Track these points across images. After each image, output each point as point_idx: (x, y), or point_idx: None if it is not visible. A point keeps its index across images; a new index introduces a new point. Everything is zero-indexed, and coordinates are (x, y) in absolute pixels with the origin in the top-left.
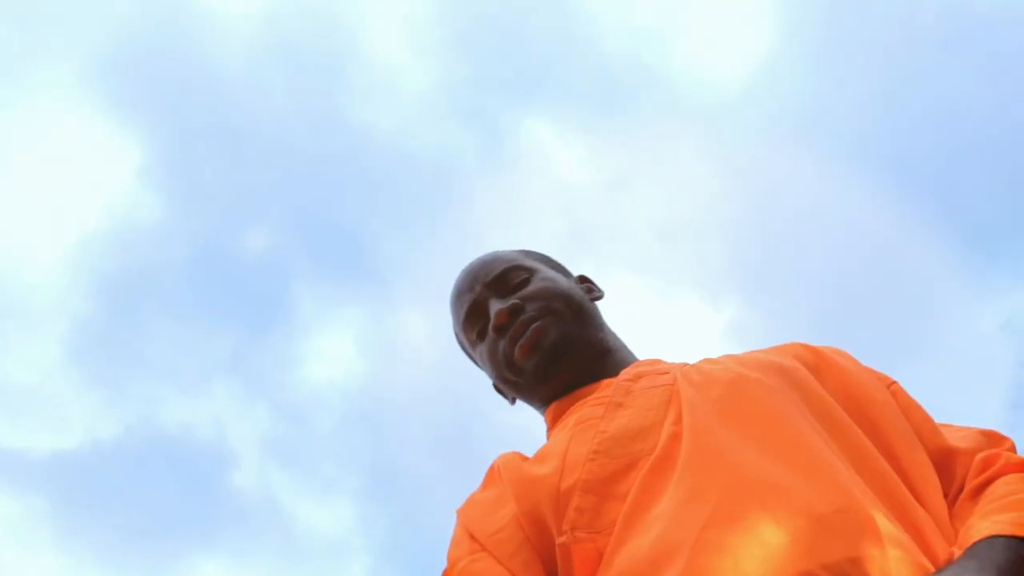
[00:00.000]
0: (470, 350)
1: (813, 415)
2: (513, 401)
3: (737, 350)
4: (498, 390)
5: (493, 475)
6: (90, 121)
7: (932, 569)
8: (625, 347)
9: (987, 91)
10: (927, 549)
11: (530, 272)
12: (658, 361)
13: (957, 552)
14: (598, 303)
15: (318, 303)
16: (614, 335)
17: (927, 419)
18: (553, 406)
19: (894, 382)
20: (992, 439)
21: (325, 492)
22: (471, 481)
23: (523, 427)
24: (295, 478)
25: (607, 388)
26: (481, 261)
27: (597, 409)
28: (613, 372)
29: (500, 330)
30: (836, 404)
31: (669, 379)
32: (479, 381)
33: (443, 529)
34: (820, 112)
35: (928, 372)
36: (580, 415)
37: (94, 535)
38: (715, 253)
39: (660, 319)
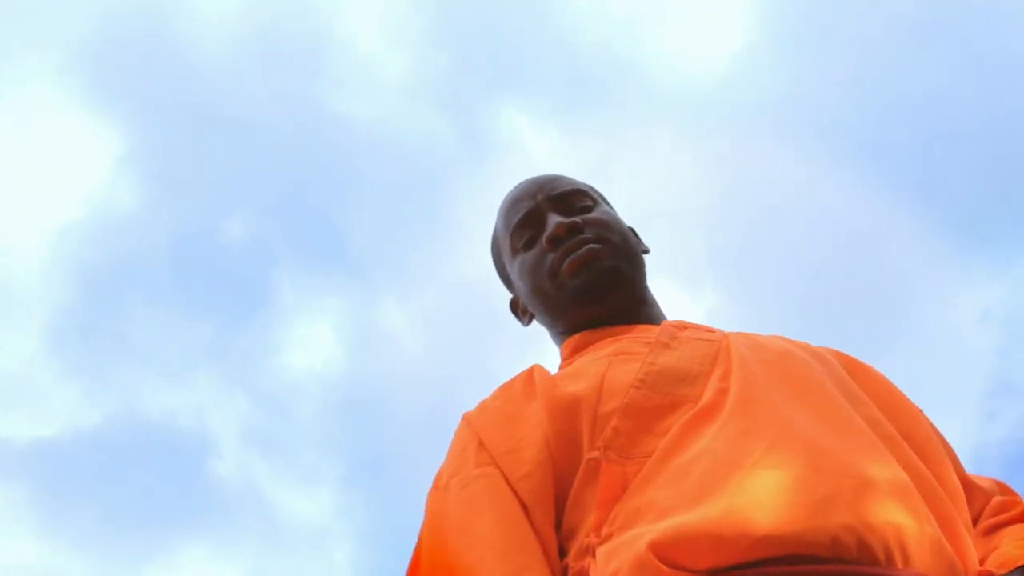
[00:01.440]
0: (508, 258)
1: (853, 406)
2: (529, 322)
3: None
4: (514, 310)
5: (522, 386)
6: (69, 111)
7: (961, 568)
8: (660, 309)
9: (965, 81)
10: (957, 549)
11: (594, 201)
12: (691, 324)
13: (997, 571)
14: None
15: (298, 292)
16: (651, 293)
17: (951, 449)
18: (579, 335)
19: (921, 411)
20: (1004, 488)
21: (306, 480)
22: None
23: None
24: (276, 466)
25: (647, 331)
26: (549, 176)
27: (638, 346)
28: (648, 323)
29: (555, 241)
30: (873, 404)
31: (718, 335)
32: (459, 368)
33: (423, 515)
34: (797, 102)
35: (906, 361)
36: (619, 347)
37: (75, 523)
38: (693, 243)
39: None
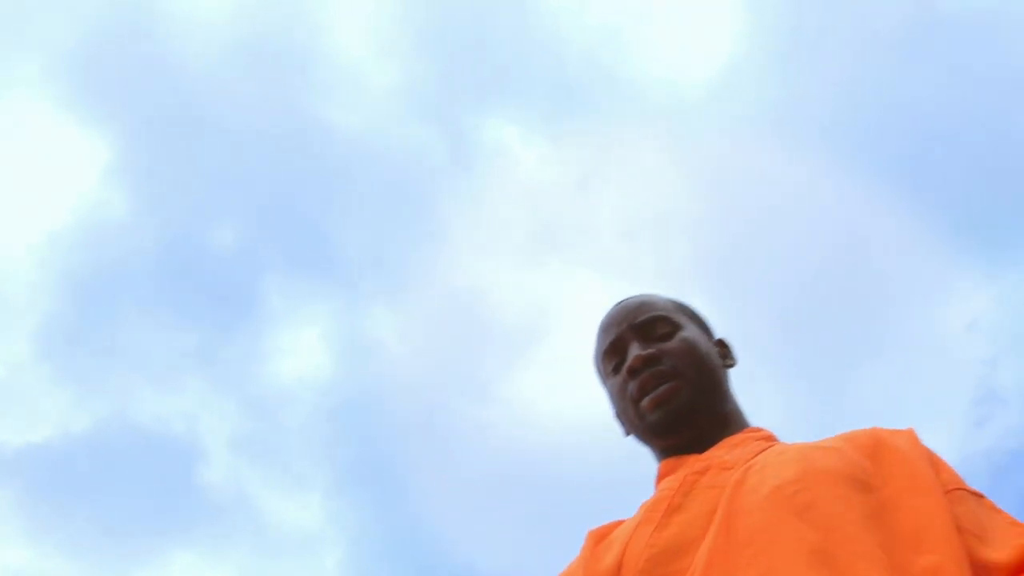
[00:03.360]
0: (603, 378)
1: (856, 535)
2: (627, 434)
3: None
4: (618, 419)
5: (577, 563)
6: (57, 119)
7: None
8: (741, 415)
9: (954, 92)
10: None
11: (675, 327)
12: (751, 437)
13: None
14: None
15: (286, 299)
16: (735, 403)
17: (981, 526)
18: (663, 463)
19: (956, 489)
20: None
21: (295, 486)
22: (439, 473)
23: (490, 423)
24: (265, 472)
25: (690, 467)
26: (636, 301)
27: (663, 501)
28: (724, 439)
29: (633, 372)
30: (881, 517)
31: (726, 479)
32: (446, 375)
33: (412, 520)
34: (784, 111)
35: (895, 369)
36: (653, 500)
37: (64, 528)
38: (679, 251)
39: None
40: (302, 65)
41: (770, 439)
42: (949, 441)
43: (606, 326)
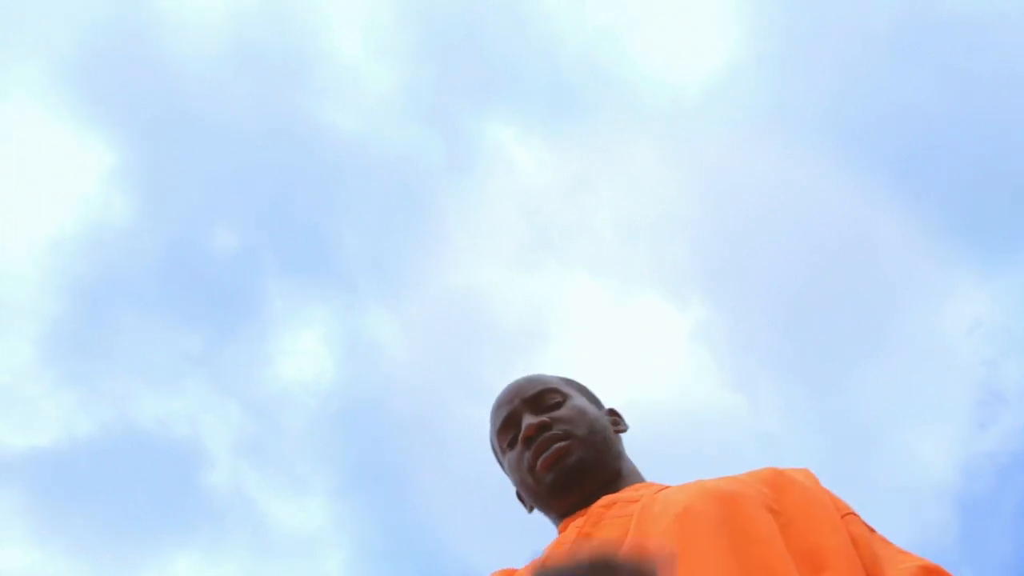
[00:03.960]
0: (500, 456)
1: (752, 550)
2: (531, 510)
3: (703, 352)
4: (520, 499)
5: None
6: (58, 124)
7: None
8: (637, 473)
9: (953, 94)
10: None
11: (564, 396)
12: (650, 485)
13: None
14: (622, 435)
15: (287, 302)
16: (629, 463)
17: (874, 553)
18: (563, 523)
19: (850, 513)
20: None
21: (297, 489)
22: (440, 474)
23: (485, 421)
24: (267, 476)
25: (597, 505)
26: (525, 379)
27: (572, 532)
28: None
29: (527, 441)
30: (786, 535)
31: (633, 508)
32: (447, 377)
33: (414, 524)
34: (781, 113)
35: (897, 372)
36: (559, 538)
37: (67, 531)
38: (678, 254)
39: (623, 321)
40: (301, 68)
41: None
42: (953, 443)
43: (498, 405)
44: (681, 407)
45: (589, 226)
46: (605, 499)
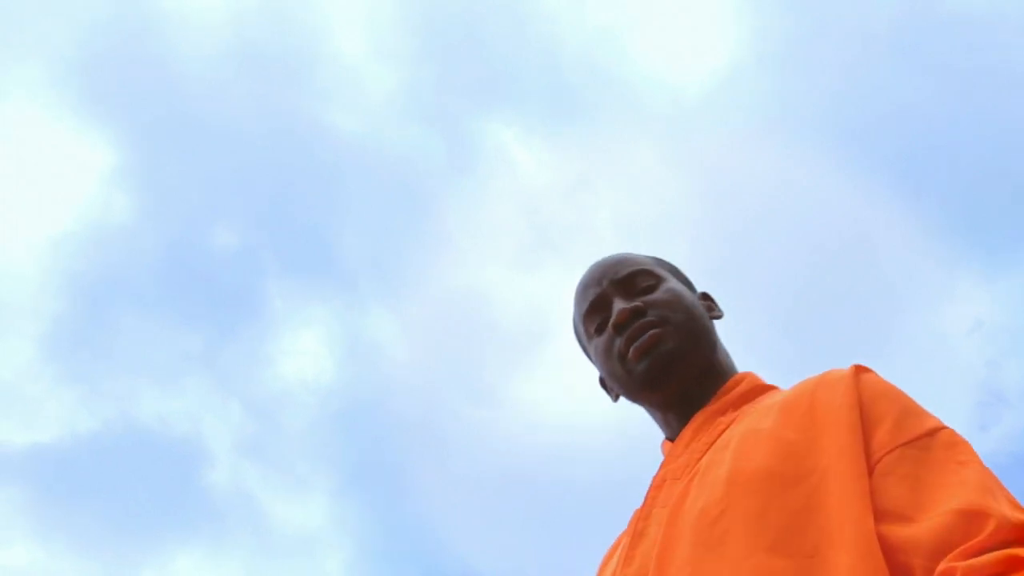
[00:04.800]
0: (586, 341)
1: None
2: (616, 398)
3: None
4: (603, 386)
5: None
6: (60, 123)
7: None
8: (730, 364)
9: (955, 95)
10: None
11: (658, 279)
12: (728, 401)
13: None
14: (716, 322)
15: (287, 302)
16: (725, 353)
17: (909, 498)
18: (664, 446)
19: (897, 447)
20: (971, 524)
21: (298, 488)
22: (440, 474)
23: (491, 425)
24: (268, 473)
25: (659, 474)
26: (614, 258)
27: (631, 527)
28: (714, 397)
29: (619, 328)
30: (799, 518)
31: (673, 494)
32: (447, 377)
33: (414, 521)
34: (781, 113)
35: (897, 372)
36: (636, 516)
37: (69, 528)
38: (678, 254)
39: None
40: (302, 69)
41: (748, 395)
42: None
43: (585, 286)
44: None
45: (589, 226)
46: (662, 469)
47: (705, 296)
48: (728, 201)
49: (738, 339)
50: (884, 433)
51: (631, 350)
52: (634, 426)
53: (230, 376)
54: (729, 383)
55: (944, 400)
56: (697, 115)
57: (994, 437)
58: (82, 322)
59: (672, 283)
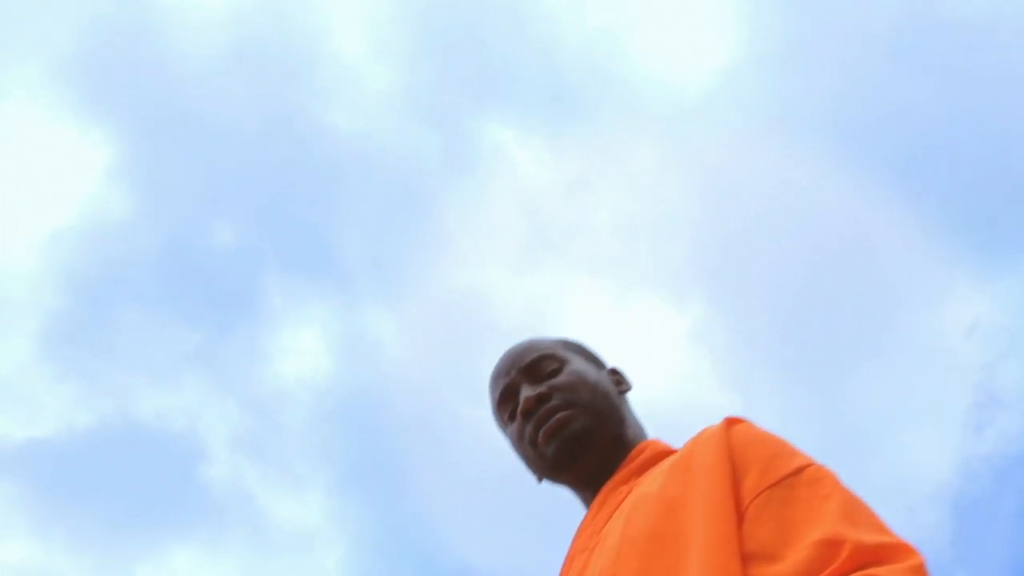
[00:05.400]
0: (503, 429)
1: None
2: (540, 480)
3: (701, 353)
4: (526, 466)
5: None
6: (59, 120)
7: None
8: (641, 433)
9: (949, 97)
10: None
11: (562, 362)
12: (632, 469)
13: None
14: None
15: (285, 299)
16: (635, 423)
17: (775, 538)
18: (580, 494)
19: (765, 489)
20: (829, 553)
21: (295, 485)
22: (438, 472)
23: (489, 420)
24: (265, 470)
25: (573, 545)
26: (520, 346)
27: (581, 556)
28: (625, 464)
29: (527, 414)
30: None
31: (576, 569)
32: (445, 375)
33: (413, 521)
34: (781, 114)
35: (894, 373)
36: (573, 548)
37: (66, 523)
38: (678, 254)
39: (623, 321)
40: (302, 67)
41: (649, 462)
42: (949, 446)
43: (495, 377)
44: (679, 407)
45: (589, 226)
46: (576, 541)
47: (614, 371)
48: (727, 201)
49: (738, 339)
50: (752, 479)
51: (540, 434)
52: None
53: (228, 373)
54: (633, 452)
55: (940, 401)
56: (697, 115)
57: (989, 439)
58: (80, 319)
59: (576, 364)
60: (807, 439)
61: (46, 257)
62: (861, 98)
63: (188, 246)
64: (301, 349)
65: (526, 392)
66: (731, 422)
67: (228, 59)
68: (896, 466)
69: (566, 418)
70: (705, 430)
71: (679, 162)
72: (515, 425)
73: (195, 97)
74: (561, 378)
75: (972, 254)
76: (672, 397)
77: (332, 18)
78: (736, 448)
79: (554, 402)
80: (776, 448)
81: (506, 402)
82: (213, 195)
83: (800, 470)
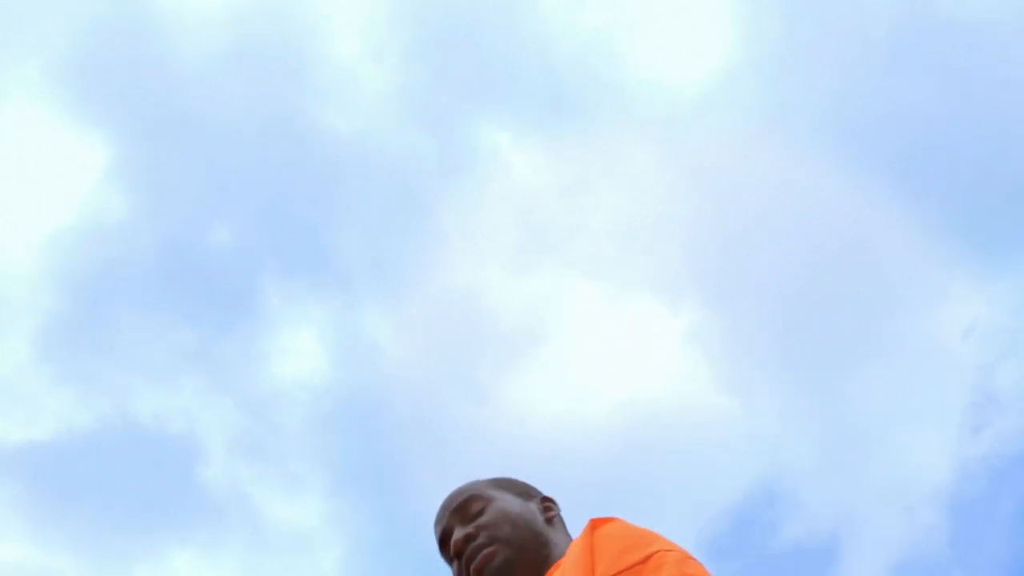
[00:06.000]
0: (449, 566)
1: None
2: None
3: (698, 354)
4: None
5: None
6: (57, 121)
7: None
8: (564, 546)
9: (948, 98)
10: None
11: (487, 501)
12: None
13: None
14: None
15: (283, 300)
16: (562, 543)
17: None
18: None
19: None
20: None
21: (293, 485)
22: (435, 473)
23: (486, 424)
24: (263, 471)
25: None
26: (453, 492)
27: None
28: None
29: (458, 556)
30: None
31: None
32: (442, 376)
33: (409, 521)
34: (780, 114)
35: (891, 374)
36: None
37: (65, 524)
38: (674, 256)
39: (619, 322)
40: (299, 69)
41: None
42: (947, 447)
43: (435, 522)
44: (675, 408)
45: (585, 227)
46: None
47: (544, 499)
48: (726, 202)
49: (735, 340)
50: (602, 570)
51: (470, 572)
52: (632, 426)
53: (226, 374)
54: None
55: (937, 402)
56: (694, 116)
57: (986, 439)
58: (78, 319)
59: (501, 501)
60: (805, 439)
61: (45, 257)
62: (860, 98)
63: (186, 247)
64: (299, 349)
65: (457, 534)
66: (596, 523)
67: (226, 60)
68: (894, 466)
69: (490, 554)
70: (582, 531)
71: (676, 163)
72: (455, 565)
73: (193, 98)
74: (485, 517)
75: (971, 254)
76: (670, 398)
77: (330, 20)
78: (597, 545)
79: (479, 541)
80: (632, 541)
81: (445, 544)
82: (211, 196)
83: (647, 558)
